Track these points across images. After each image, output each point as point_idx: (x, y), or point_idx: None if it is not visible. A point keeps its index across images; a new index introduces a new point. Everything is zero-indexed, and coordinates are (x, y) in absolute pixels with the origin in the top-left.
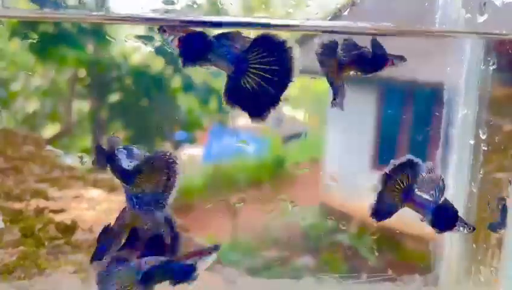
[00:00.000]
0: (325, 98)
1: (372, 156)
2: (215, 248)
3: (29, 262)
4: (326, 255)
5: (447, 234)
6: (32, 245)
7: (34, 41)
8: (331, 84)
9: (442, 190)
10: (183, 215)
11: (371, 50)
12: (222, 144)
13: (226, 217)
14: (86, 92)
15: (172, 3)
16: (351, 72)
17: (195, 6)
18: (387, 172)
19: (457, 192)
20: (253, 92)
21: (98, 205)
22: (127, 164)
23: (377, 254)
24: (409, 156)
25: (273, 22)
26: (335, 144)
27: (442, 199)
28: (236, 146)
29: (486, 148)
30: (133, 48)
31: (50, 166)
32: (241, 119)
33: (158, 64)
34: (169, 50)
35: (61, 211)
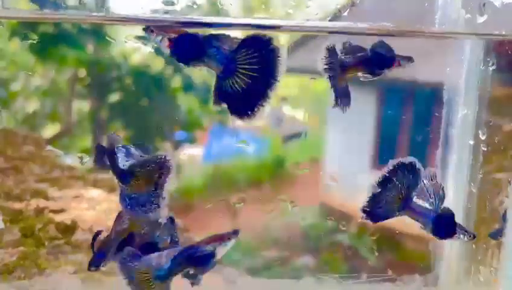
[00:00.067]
0: (325, 98)
1: (372, 156)
2: (235, 233)
3: (29, 262)
4: (326, 255)
5: None
6: (32, 245)
7: (34, 42)
8: (334, 86)
9: (442, 198)
10: (183, 215)
11: (376, 51)
12: (222, 144)
13: (226, 217)
14: (86, 92)
15: (172, 3)
16: (359, 74)
17: (195, 6)
18: (386, 174)
19: (457, 192)
20: (242, 92)
21: (98, 205)
22: (123, 163)
23: (376, 254)
24: (410, 159)
25: (273, 22)
26: (335, 144)
27: (442, 207)
28: (236, 146)
29: (486, 149)
30: (133, 48)
31: (50, 166)
32: None
33: (158, 64)
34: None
35: (61, 211)
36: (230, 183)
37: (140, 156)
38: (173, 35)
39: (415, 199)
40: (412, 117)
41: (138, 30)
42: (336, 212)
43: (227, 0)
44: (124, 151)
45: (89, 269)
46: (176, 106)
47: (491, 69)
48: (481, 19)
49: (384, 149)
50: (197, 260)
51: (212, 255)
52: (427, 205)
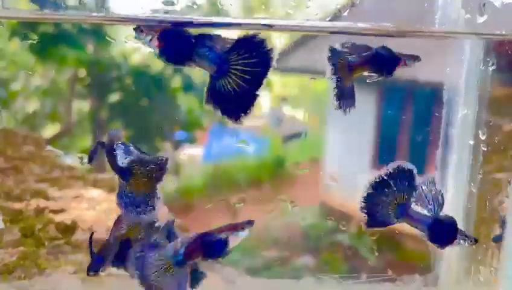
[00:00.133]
0: (325, 98)
1: (372, 156)
2: (249, 223)
3: (29, 262)
4: (326, 255)
5: None
6: (32, 245)
7: (34, 42)
8: (339, 87)
9: (441, 205)
10: (183, 215)
11: (380, 51)
12: (222, 144)
13: (226, 217)
14: (86, 92)
15: (172, 3)
16: (364, 73)
17: (195, 6)
18: (385, 177)
19: (457, 192)
20: (235, 93)
21: (98, 205)
22: (122, 160)
23: (377, 254)
24: (406, 164)
25: (273, 22)
26: (335, 144)
27: (441, 214)
28: (236, 146)
29: (485, 149)
30: (133, 48)
31: (50, 166)
32: None
33: (158, 64)
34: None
35: (61, 211)
36: (230, 183)
37: (141, 153)
38: (163, 34)
39: (413, 206)
40: (412, 117)
41: None
42: (336, 212)
43: (227, 0)
44: (122, 148)
45: (88, 274)
46: (176, 106)
47: (491, 69)
48: (481, 19)
49: (384, 149)
50: (210, 246)
51: (224, 242)
52: (425, 212)
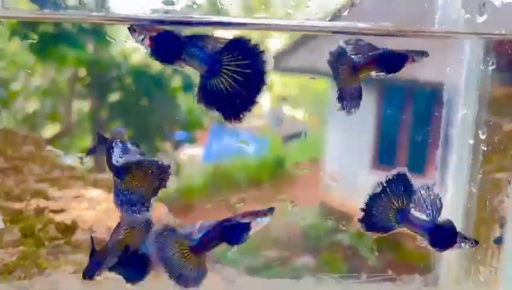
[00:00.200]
0: (325, 98)
1: (372, 156)
2: (270, 210)
3: (29, 262)
4: (326, 255)
5: None
6: (32, 245)
7: (34, 41)
8: (343, 88)
9: (439, 209)
10: (183, 215)
11: (387, 50)
12: (222, 144)
13: (226, 217)
14: (86, 91)
15: (172, 3)
16: (372, 73)
17: (195, 6)
18: (384, 184)
19: (457, 192)
20: (227, 93)
21: (98, 205)
22: (116, 159)
23: (377, 254)
24: (402, 170)
25: (273, 22)
26: (335, 144)
27: (440, 218)
28: (236, 146)
29: (485, 148)
30: (133, 48)
31: (50, 166)
32: None
33: (158, 64)
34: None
35: (61, 211)
36: (230, 183)
37: (140, 154)
38: (154, 34)
39: (412, 211)
40: (412, 117)
41: None
42: (336, 212)
43: (227, 0)
44: (120, 146)
45: (83, 278)
46: (176, 106)
47: (491, 68)
48: (481, 19)
49: (384, 149)
50: (231, 231)
51: (246, 226)
52: (424, 217)
